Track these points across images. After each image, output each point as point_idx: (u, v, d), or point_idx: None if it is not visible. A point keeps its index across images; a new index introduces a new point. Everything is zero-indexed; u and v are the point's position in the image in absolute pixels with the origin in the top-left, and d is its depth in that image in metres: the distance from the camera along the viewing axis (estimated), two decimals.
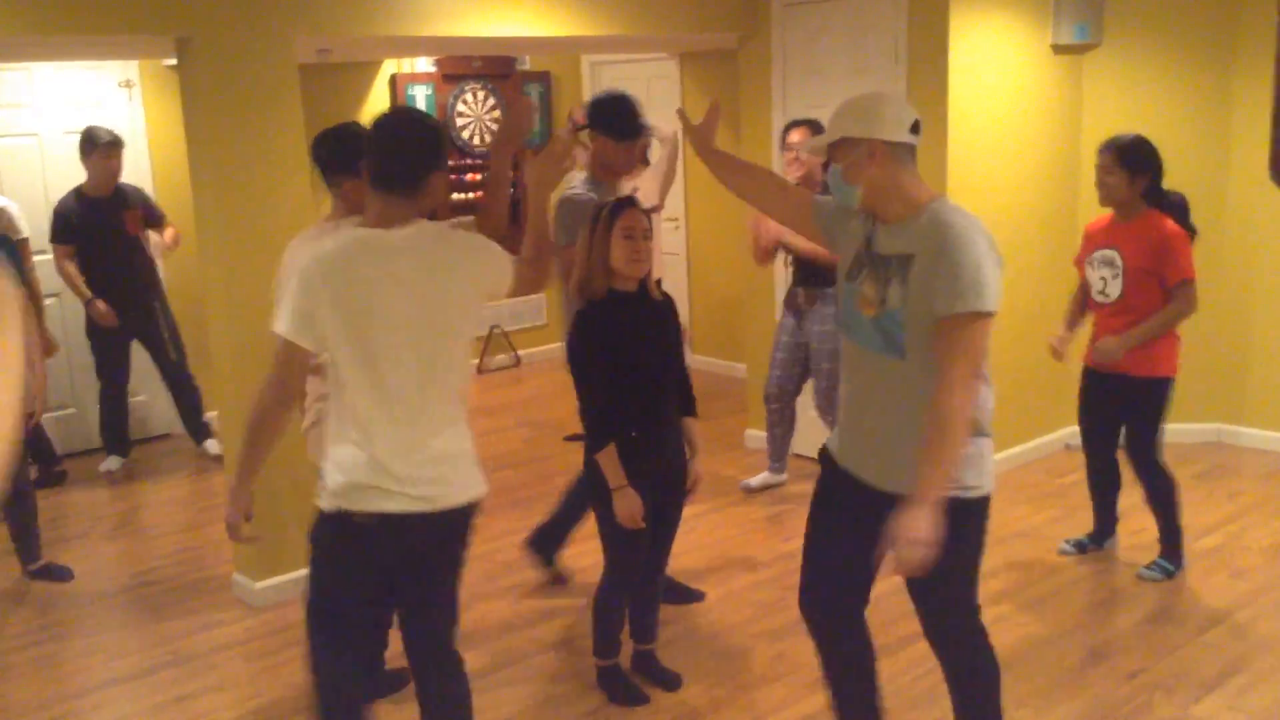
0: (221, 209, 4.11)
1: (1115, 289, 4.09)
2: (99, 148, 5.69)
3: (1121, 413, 4.26)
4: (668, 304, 3.49)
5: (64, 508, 5.62)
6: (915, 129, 2.59)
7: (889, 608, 4.14)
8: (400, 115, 2.99)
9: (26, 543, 4.68)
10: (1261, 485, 5.27)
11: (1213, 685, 3.52)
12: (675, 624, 4.05)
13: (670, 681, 3.67)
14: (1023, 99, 5.33)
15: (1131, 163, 4.03)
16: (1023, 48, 5.30)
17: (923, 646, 3.79)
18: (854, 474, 2.70)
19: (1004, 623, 4.00)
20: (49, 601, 4.53)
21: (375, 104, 7.44)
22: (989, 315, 2.45)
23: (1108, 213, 4.20)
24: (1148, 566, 4.35)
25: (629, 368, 3.30)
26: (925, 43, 5.02)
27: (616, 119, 4.01)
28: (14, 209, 5.42)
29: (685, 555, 4.68)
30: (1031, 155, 5.42)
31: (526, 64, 7.99)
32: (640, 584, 3.57)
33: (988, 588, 4.27)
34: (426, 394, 2.63)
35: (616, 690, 3.59)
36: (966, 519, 2.58)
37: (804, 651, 3.83)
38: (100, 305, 5.81)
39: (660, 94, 7.68)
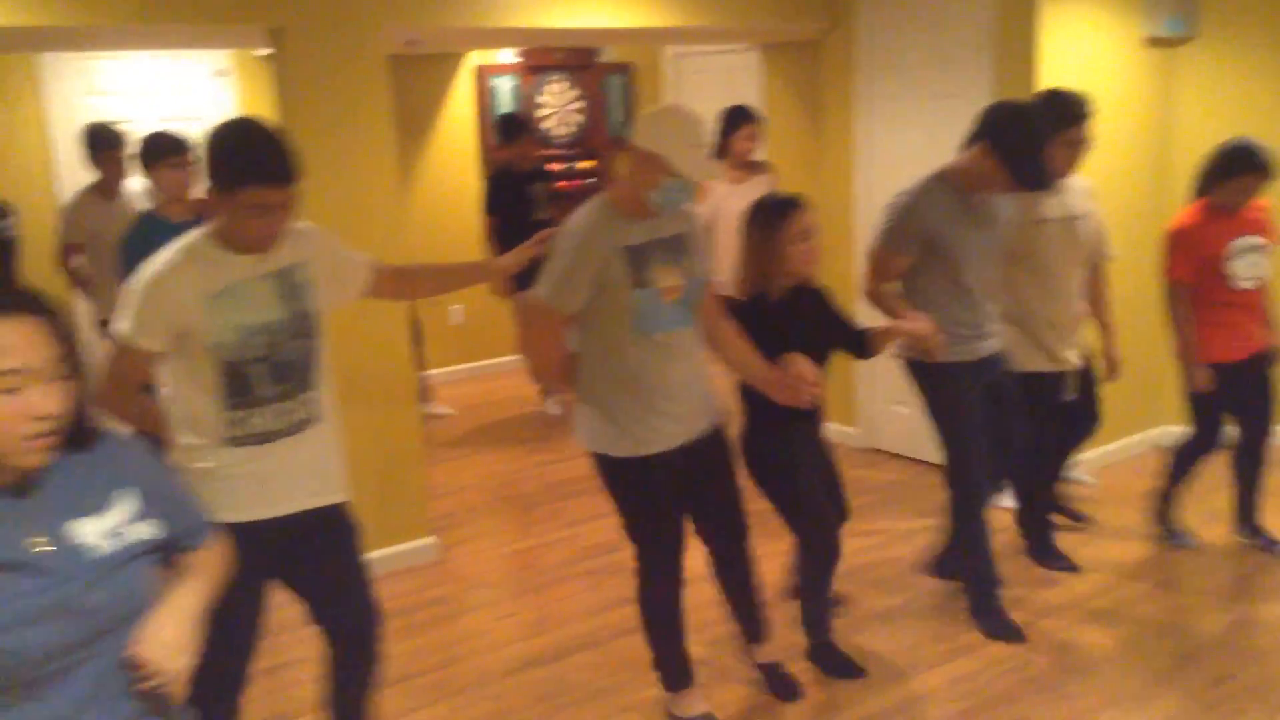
0: (315, 199, 4.19)
1: (1265, 268, 4.22)
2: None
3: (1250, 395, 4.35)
4: (824, 292, 3.54)
5: None
6: None
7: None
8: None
9: None
10: None
11: None
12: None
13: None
14: (1113, 93, 5.21)
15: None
16: (1114, 40, 5.19)
17: (999, 648, 3.78)
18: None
19: (1090, 624, 3.94)
20: None
21: (459, 95, 7.53)
22: None
23: (1185, 212, 4.24)
24: None
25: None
26: (1013, 34, 4.94)
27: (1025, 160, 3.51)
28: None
29: None
30: (1120, 152, 5.30)
31: (608, 55, 8.03)
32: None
33: (1073, 589, 4.22)
34: None
35: (828, 663, 3.67)
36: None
37: (884, 648, 3.81)
38: None
39: (741, 85, 7.65)
